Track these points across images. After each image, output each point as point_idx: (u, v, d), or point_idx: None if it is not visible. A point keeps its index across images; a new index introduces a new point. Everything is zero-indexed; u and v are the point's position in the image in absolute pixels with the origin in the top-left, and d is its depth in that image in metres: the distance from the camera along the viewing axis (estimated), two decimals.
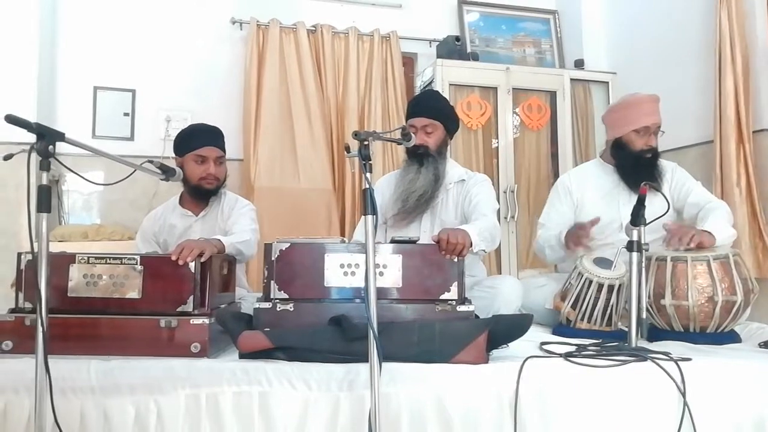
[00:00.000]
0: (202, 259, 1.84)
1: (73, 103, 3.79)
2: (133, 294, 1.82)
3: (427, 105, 2.50)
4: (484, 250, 2.15)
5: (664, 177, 2.42)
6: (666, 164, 2.55)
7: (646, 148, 2.44)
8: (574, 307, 2.06)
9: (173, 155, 2.48)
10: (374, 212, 1.55)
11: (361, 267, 1.87)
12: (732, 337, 1.95)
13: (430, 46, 4.38)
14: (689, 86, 3.68)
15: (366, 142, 1.61)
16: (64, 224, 3.59)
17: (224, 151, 2.47)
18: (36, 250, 1.41)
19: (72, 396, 1.57)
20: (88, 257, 1.84)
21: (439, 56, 4.13)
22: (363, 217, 1.95)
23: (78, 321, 1.76)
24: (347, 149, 1.68)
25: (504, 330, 1.72)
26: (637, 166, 2.44)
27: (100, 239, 3.30)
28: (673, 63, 3.80)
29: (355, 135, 1.61)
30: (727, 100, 3.22)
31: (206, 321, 1.76)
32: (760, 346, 1.83)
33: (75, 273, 1.83)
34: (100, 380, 1.60)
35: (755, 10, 3.33)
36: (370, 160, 1.61)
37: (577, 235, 2.21)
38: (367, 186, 1.56)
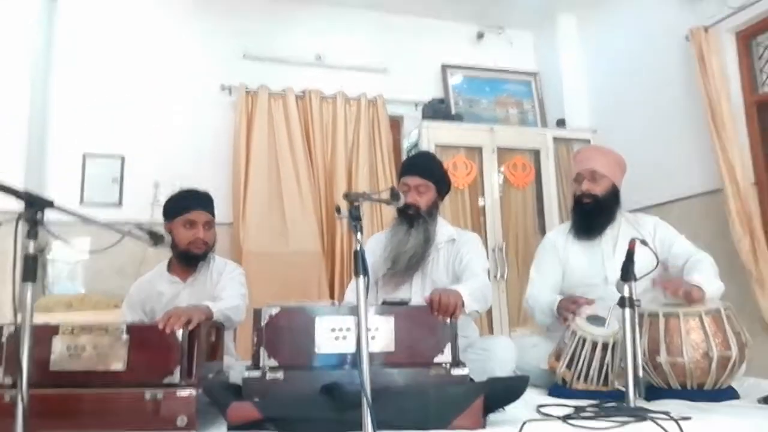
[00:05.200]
0: (190, 327, 1.80)
1: (62, 170, 3.81)
2: (118, 366, 1.76)
3: (422, 165, 2.54)
4: (477, 311, 2.14)
5: (642, 230, 2.43)
6: (647, 218, 2.58)
7: (579, 194, 2.52)
8: (569, 366, 2.02)
9: (162, 221, 2.47)
10: (365, 273, 1.54)
11: (352, 330, 1.84)
12: (730, 394, 1.92)
13: (416, 109, 4.49)
14: (671, 141, 3.78)
15: (356, 203, 1.62)
16: (47, 294, 3.52)
17: (214, 215, 2.47)
18: (19, 321, 1.38)
19: None
20: (72, 328, 1.79)
21: (424, 117, 4.24)
22: (354, 278, 1.94)
23: (60, 396, 1.69)
24: (338, 210, 1.69)
25: (501, 393, 1.68)
26: (579, 213, 2.53)
27: (85, 309, 3.23)
28: (653, 118, 3.92)
29: (346, 196, 1.62)
30: (731, 151, 3.28)
31: (193, 392, 1.70)
32: (759, 401, 1.81)
33: (58, 345, 1.77)
34: None
35: (728, 68, 3.47)
36: (361, 220, 1.62)
37: (568, 309, 2.22)
38: (358, 247, 1.56)
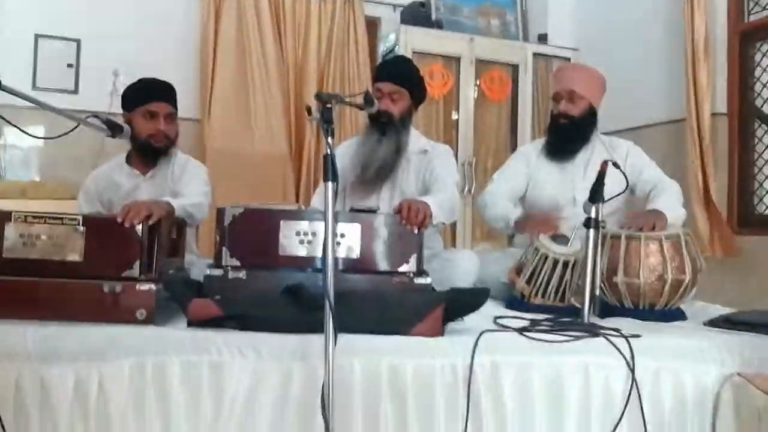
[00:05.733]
0: (150, 222, 1.75)
1: (11, 51, 3.53)
2: (75, 256, 1.71)
3: (397, 70, 2.43)
4: (443, 222, 2.14)
5: (615, 153, 2.43)
6: (621, 142, 2.58)
7: (555, 113, 2.49)
8: (528, 282, 2.06)
9: (121, 111, 2.35)
10: (335, 179, 1.50)
11: (318, 236, 1.82)
12: (678, 315, 2.00)
13: (395, 11, 4.29)
14: (654, 65, 3.72)
15: (329, 105, 1.54)
16: (0, 180, 3.38)
17: (176, 108, 2.35)
18: None
19: (7, 363, 1.47)
20: (26, 216, 1.72)
21: (403, 22, 4.06)
22: (322, 183, 1.89)
23: (13, 284, 1.64)
24: (308, 111, 1.61)
25: (460, 303, 1.71)
26: (554, 133, 2.51)
27: (40, 197, 3.12)
28: (637, 40, 3.84)
29: (318, 96, 1.54)
30: (698, 79, 3.25)
31: (153, 287, 1.68)
32: (704, 324, 1.89)
33: (11, 232, 1.70)
34: (38, 347, 1.50)
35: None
36: (332, 124, 1.55)
37: (534, 227, 2.20)
38: (329, 151, 1.51)
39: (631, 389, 1.58)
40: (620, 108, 3.34)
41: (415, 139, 2.48)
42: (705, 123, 3.27)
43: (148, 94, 2.27)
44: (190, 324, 1.65)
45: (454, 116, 4.13)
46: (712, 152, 3.27)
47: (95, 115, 1.88)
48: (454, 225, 3.94)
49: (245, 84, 3.89)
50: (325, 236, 1.46)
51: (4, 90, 1.42)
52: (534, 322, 1.79)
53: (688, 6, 3.33)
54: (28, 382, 1.48)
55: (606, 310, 1.99)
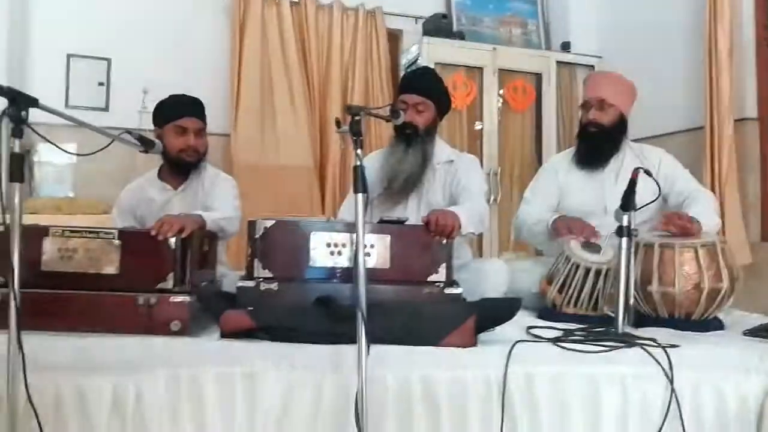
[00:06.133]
0: (183, 235, 1.77)
1: (44, 71, 3.65)
2: (110, 269, 1.74)
3: (422, 82, 2.43)
4: (472, 233, 2.13)
5: (646, 162, 2.40)
6: (652, 149, 2.55)
7: (585, 122, 2.46)
8: (560, 291, 2.04)
9: (151, 127, 2.39)
10: (365, 190, 1.50)
11: (348, 247, 1.83)
12: (716, 325, 1.96)
13: (416, 23, 4.31)
14: (676, 73, 3.68)
15: (358, 117, 1.56)
16: (35, 196, 3.46)
17: (205, 123, 2.39)
18: (8, 221, 1.34)
19: (46, 374, 1.50)
20: (63, 230, 1.76)
21: (425, 34, 4.07)
22: (350, 195, 1.90)
23: (52, 296, 1.68)
24: (338, 124, 1.63)
25: (492, 313, 1.70)
26: (584, 141, 2.49)
27: (74, 213, 3.19)
28: (661, 48, 3.79)
29: (348, 109, 1.56)
30: (719, 87, 3.20)
31: (187, 299, 1.70)
32: (744, 333, 1.85)
33: (49, 246, 1.74)
34: (76, 358, 1.53)
35: (743, 1, 3.33)
36: (362, 135, 1.56)
37: (570, 228, 2.20)
38: (359, 163, 1.52)
39: (670, 401, 1.55)
40: (644, 116, 3.29)
41: (441, 149, 2.48)
42: (726, 129, 3.20)
43: (178, 110, 2.31)
44: (223, 335, 1.67)
45: (478, 126, 4.12)
46: (734, 158, 3.19)
47: (128, 131, 1.92)
48: (480, 234, 3.92)
49: (270, 98, 3.94)
50: (355, 247, 1.47)
51: (42, 109, 1.45)
52: (567, 332, 1.77)
53: (711, 12, 3.29)
54: (67, 392, 1.50)
55: (640, 319, 1.95)
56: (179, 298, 1.70)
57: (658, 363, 1.57)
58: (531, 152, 4.23)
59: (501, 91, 4.17)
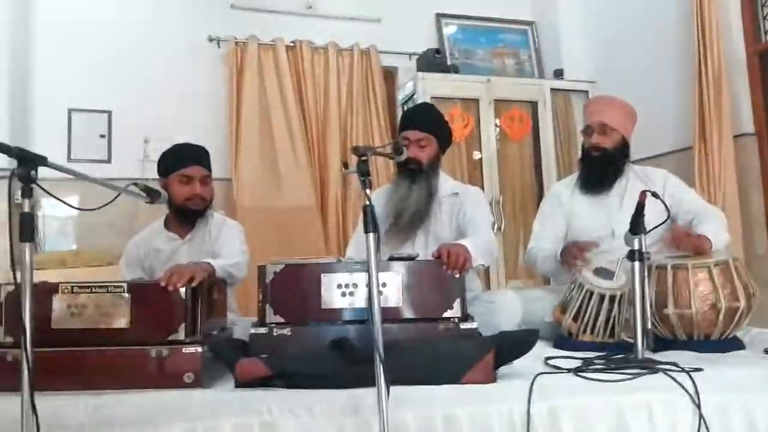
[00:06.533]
0: (193, 284, 1.76)
1: (47, 126, 3.68)
2: (121, 323, 1.72)
3: (423, 118, 2.46)
4: (482, 264, 2.12)
5: (651, 183, 2.40)
6: (655, 171, 2.56)
7: (588, 147, 2.48)
8: (575, 319, 2.02)
9: (155, 177, 2.40)
10: (376, 230, 1.50)
11: (360, 287, 1.81)
12: (736, 344, 1.93)
13: (410, 60, 4.37)
14: (668, 93, 3.71)
15: (365, 158, 1.56)
16: (39, 251, 3.45)
17: (210, 170, 2.40)
18: (19, 281, 1.32)
19: None
20: (72, 287, 1.75)
21: (419, 69, 4.13)
22: (358, 233, 1.88)
23: (63, 354, 1.66)
24: (345, 165, 1.63)
25: (510, 347, 1.67)
26: (587, 166, 2.50)
27: (79, 265, 3.18)
28: (652, 70, 3.84)
29: (355, 150, 1.56)
30: (715, 104, 3.22)
31: (199, 349, 1.68)
32: (765, 352, 1.82)
33: (58, 303, 1.73)
34: (91, 417, 1.50)
35: (730, 18, 3.39)
36: (369, 175, 1.57)
37: (573, 254, 2.21)
38: (368, 202, 1.51)
39: (699, 426, 1.51)
40: (636, 138, 3.32)
41: (445, 182, 2.49)
42: (723, 146, 3.21)
43: (182, 159, 2.32)
44: (237, 385, 1.64)
45: (477, 156, 4.15)
46: (734, 177, 3.20)
47: (134, 183, 1.92)
48: None
49: (270, 140, 3.97)
50: (369, 287, 1.46)
51: (49, 166, 1.46)
52: (587, 361, 1.74)
53: (699, 31, 3.34)
54: None
55: (659, 343, 1.93)
56: (191, 349, 1.68)
57: (683, 388, 1.54)
58: (531, 179, 4.25)
59: (497, 121, 4.20)
